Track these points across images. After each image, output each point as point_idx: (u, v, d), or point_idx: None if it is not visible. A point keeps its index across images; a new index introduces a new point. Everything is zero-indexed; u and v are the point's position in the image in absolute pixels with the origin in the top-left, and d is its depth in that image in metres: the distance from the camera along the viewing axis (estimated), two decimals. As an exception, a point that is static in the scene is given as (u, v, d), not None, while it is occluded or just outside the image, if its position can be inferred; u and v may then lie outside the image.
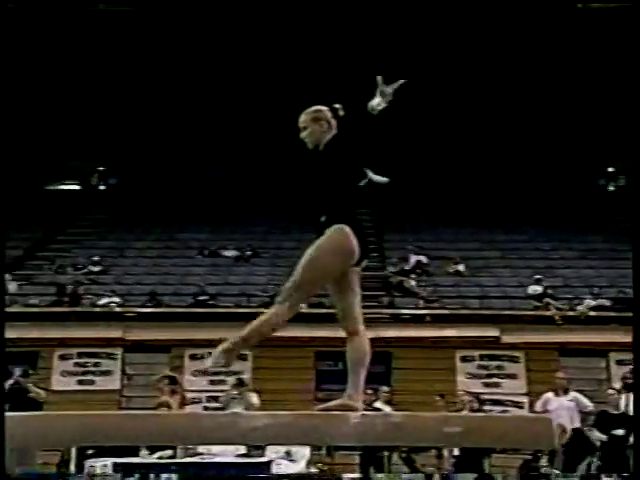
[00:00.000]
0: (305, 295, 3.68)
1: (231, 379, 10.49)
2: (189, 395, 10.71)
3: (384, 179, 3.92)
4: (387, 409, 9.20)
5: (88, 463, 7.46)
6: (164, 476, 6.88)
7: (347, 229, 3.60)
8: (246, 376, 11.24)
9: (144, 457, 7.47)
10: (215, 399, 12.04)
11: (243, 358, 13.82)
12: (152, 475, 6.87)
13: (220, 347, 3.51)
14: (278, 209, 19.27)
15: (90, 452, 7.78)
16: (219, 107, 19.80)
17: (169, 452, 7.50)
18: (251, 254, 17.49)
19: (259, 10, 18.92)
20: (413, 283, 15.91)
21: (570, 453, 9.31)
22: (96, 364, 13.86)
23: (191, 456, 7.65)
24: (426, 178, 20.73)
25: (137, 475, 6.83)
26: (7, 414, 3.99)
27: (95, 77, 19.73)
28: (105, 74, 19.72)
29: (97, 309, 14.64)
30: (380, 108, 3.63)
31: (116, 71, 19.68)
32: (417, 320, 14.49)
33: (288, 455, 8.13)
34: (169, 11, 19.42)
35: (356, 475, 9.45)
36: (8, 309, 14.75)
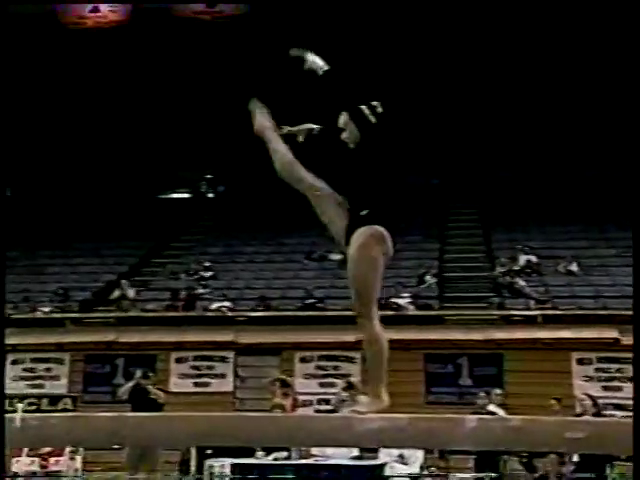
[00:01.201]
0: (374, 305, 3.65)
1: (341, 382, 10.53)
2: (300, 397, 10.83)
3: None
4: (501, 412, 8.96)
5: (207, 463, 7.67)
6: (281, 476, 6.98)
7: (382, 229, 3.64)
8: (355, 379, 11.23)
9: (260, 458, 7.61)
10: (326, 401, 12.14)
11: (352, 361, 13.88)
12: (270, 475, 6.99)
13: (365, 398, 3.55)
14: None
15: (209, 452, 7.99)
16: (321, 113, 19.93)
17: (284, 453, 7.61)
18: (357, 257, 17.50)
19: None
20: (523, 283, 15.46)
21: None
22: (210, 367, 14.27)
23: (305, 458, 7.73)
24: (534, 175, 20.16)
25: (256, 475, 6.97)
26: (130, 414, 4.16)
27: (200, 89, 20.36)
28: (206, 86, 20.30)
29: (209, 313, 15.07)
30: (320, 61, 3.66)
31: (217, 83, 20.22)
32: (529, 321, 14.07)
33: (401, 458, 8.06)
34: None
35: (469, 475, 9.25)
36: (127, 314, 15.49)
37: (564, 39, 18.84)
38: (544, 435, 3.26)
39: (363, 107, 3.84)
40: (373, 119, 3.80)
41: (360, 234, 3.65)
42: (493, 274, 16.23)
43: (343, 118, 3.88)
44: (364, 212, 3.68)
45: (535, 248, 16.84)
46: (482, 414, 7.44)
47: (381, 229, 3.65)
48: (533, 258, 16.41)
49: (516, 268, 16.09)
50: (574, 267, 15.93)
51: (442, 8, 18.95)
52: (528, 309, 14.58)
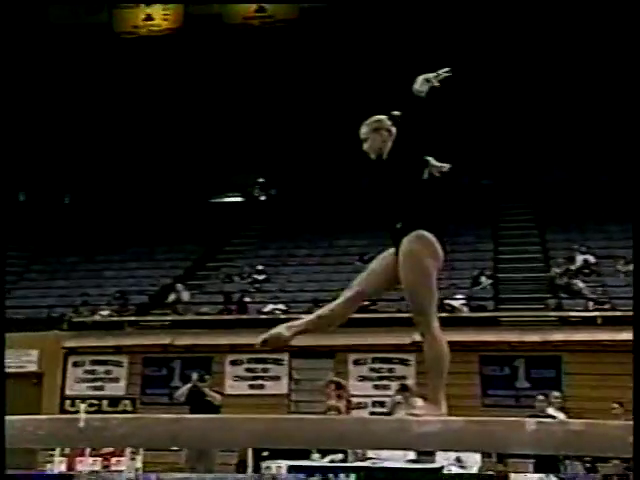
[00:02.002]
0: (431, 312, 3.63)
1: (395, 384, 10.48)
2: (354, 400, 10.82)
3: (445, 165, 3.76)
4: (561, 416, 8.77)
5: (264, 464, 7.73)
6: (342, 476, 6.99)
7: (426, 233, 3.60)
8: (410, 381, 11.16)
9: (316, 460, 7.63)
10: (380, 404, 12.09)
11: (406, 363, 13.80)
12: (331, 475, 7.00)
13: (421, 401, 3.56)
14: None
15: (265, 454, 8.05)
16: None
17: (340, 456, 7.61)
18: (410, 259, 17.40)
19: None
20: (581, 284, 15.13)
21: None
22: (265, 369, 14.37)
23: (361, 460, 7.72)
24: (590, 172, 19.75)
25: (318, 476, 6.99)
26: (188, 416, 4.22)
27: (253, 94, 20.55)
28: (262, 90, 20.48)
29: (263, 316, 15.18)
30: (425, 89, 3.57)
31: (272, 86, 20.38)
32: (587, 323, 13.76)
33: (459, 461, 7.97)
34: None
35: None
36: (183, 317, 15.72)
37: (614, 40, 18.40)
38: (607, 439, 3.18)
39: (384, 117, 3.81)
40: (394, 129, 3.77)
41: (406, 242, 3.62)
42: (549, 274, 15.93)
43: (364, 129, 3.85)
44: (398, 225, 3.64)
45: (592, 248, 16.48)
46: (540, 417, 7.30)
47: (426, 234, 3.61)
48: (590, 258, 16.05)
49: (573, 268, 15.76)
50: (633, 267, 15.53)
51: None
52: (586, 310, 14.27)
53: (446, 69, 3.70)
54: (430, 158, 3.79)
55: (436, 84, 3.67)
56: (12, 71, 20.36)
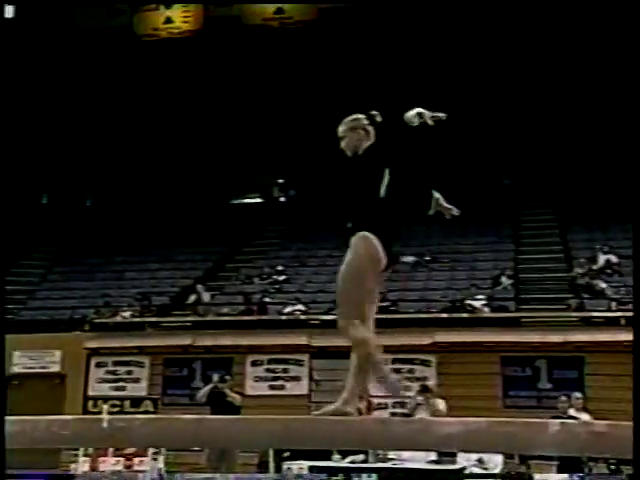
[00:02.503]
0: (355, 307, 3.64)
1: (416, 385, 10.44)
2: (375, 401, 10.80)
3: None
4: (585, 417, 8.68)
5: (285, 465, 7.75)
6: (364, 475, 6.99)
7: (370, 236, 3.61)
8: (431, 382, 11.13)
9: (336, 461, 7.63)
10: (401, 405, 12.05)
11: (427, 364, 13.75)
12: (354, 474, 7.01)
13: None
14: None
15: (286, 455, 8.06)
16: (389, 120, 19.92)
17: (361, 457, 7.61)
18: (430, 259, 17.36)
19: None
20: (604, 284, 14.99)
21: None
22: (285, 370, 14.39)
23: (382, 461, 7.71)
24: (611, 170, 19.55)
25: (340, 476, 7.01)
26: (210, 417, 4.23)
27: (272, 95, 20.59)
28: (282, 91, 20.52)
29: (283, 317, 15.21)
30: (415, 122, 3.54)
31: (291, 87, 20.42)
32: (610, 323, 13.63)
33: (480, 462, 7.93)
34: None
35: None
36: (203, 318, 15.80)
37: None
38: (631, 441, 3.15)
39: (362, 116, 3.82)
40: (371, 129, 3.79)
41: (351, 243, 3.65)
42: (571, 275, 15.80)
43: (341, 127, 3.87)
44: (349, 224, 3.64)
45: (615, 247, 16.31)
46: (563, 418, 7.25)
47: (370, 236, 3.60)
48: (613, 258, 15.89)
49: (595, 268, 15.62)
50: (657, 266, 15.34)
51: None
52: (609, 310, 14.13)
53: (443, 114, 3.72)
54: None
55: (429, 122, 3.68)
56: (36, 74, 20.60)
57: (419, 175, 3.84)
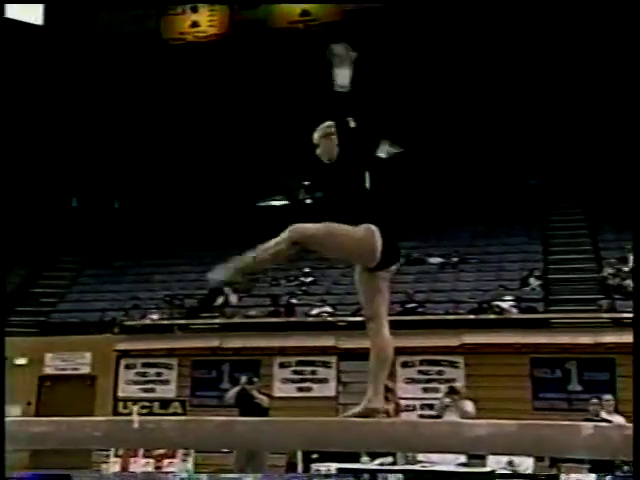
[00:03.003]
0: (313, 240, 3.83)
1: (444, 387, 10.38)
2: (403, 402, 10.76)
3: (394, 150, 3.71)
4: (619, 419, 8.55)
5: (313, 467, 7.75)
6: (391, 477, 6.97)
7: (374, 228, 3.62)
8: (459, 384, 11.05)
9: (365, 463, 7.62)
10: (429, 407, 12.00)
11: (455, 365, 13.67)
12: (380, 476, 6.99)
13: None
14: (481, 214, 18.88)
15: (315, 456, 8.07)
16: (423, 119, 19.88)
17: (389, 459, 7.58)
18: (457, 260, 17.26)
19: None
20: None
21: None
22: (313, 372, 14.41)
23: (411, 463, 7.67)
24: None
25: (366, 476, 6.99)
26: (239, 419, 4.25)
27: (299, 97, 20.63)
28: (308, 93, 20.54)
29: (310, 319, 15.22)
30: (347, 82, 3.57)
31: (314, 91, 20.42)
32: (642, 324, 13.42)
33: (510, 465, 7.86)
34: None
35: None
36: (231, 320, 15.87)
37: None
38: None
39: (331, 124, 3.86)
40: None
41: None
42: (601, 275, 15.60)
43: (316, 134, 3.92)
44: None
45: (646, 247, 16.08)
46: (594, 421, 7.15)
47: (370, 229, 3.62)
48: (644, 258, 15.67)
49: (626, 269, 15.40)
50: (690, 266, 15.09)
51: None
52: (640, 311, 13.91)
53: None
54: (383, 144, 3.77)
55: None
56: (64, 79, 20.87)
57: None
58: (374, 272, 3.71)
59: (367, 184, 3.79)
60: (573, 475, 8.56)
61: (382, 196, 3.83)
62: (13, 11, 20.76)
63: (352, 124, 3.89)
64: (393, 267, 3.72)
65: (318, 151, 3.94)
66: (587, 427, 3.16)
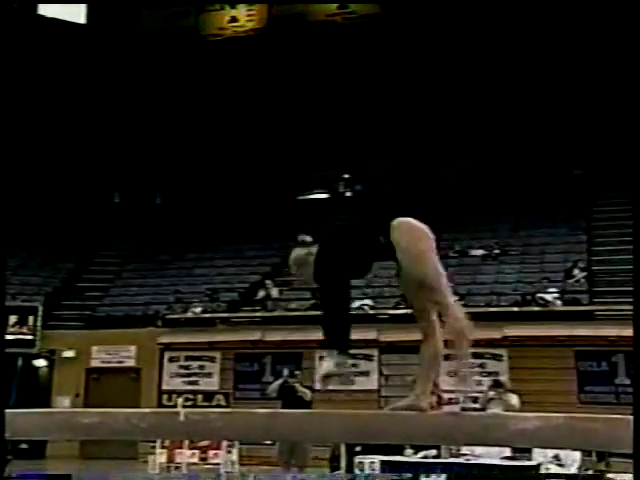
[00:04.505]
0: (446, 290, 3.65)
1: (487, 380, 10.28)
2: (445, 396, 10.68)
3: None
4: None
5: (357, 460, 7.75)
6: (433, 476, 6.94)
7: (410, 219, 3.62)
8: (503, 377, 10.95)
9: (409, 456, 7.59)
10: (473, 400, 11.89)
11: (499, 359, 13.54)
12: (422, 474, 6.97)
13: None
14: (523, 205, 18.62)
15: (358, 449, 8.06)
16: (465, 110, 19.70)
17: (433, 452, 7.54)
18: (499, 252, 17.07)
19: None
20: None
21: None
22: (355, 365, 14.39)
23: (455, 456, 7.62)
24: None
25: (409, 474, 6.97)
26: (283, 411, 4.27)
27: (338, 90, 20.60)
28: (347, 86, 20.50)
29: (351, 312, 15.18)
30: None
31: (357, 81, 20.37)
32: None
33: (557, 459, 7.75)
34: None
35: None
36: (272, 314, 15.94)
37: None
38: None
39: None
40: None
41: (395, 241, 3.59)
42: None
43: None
44: (382, 239, 3.63)
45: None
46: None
47: (408, 222, 3.58)
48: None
49: (674, 259, 15.04)
50: None
51: None
52: None
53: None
54: None
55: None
56: (106, 76, 21.16)
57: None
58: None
59: None
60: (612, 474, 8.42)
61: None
62: (56, 10, 21.14)
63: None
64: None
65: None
66: (637, 420, 3.09)
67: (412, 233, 3.60)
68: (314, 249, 3.70)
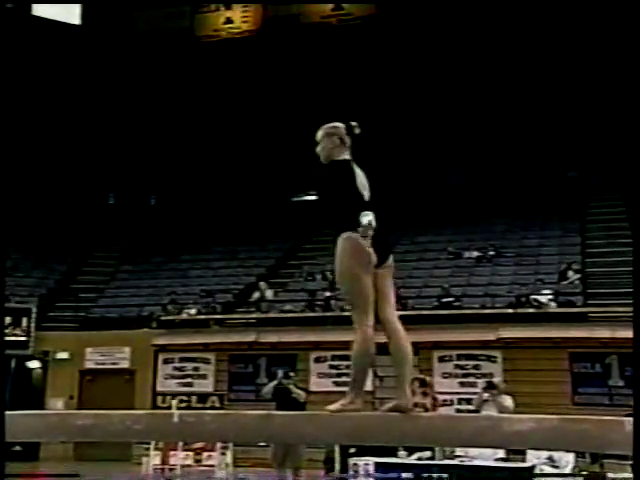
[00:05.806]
0: (364, 308, 3.64)
1: (481, 381, 10.29)
2: (440, 397, 10.70)
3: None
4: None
5: (351, 461, 7.74)
6: (436, 475, 6.94)
7: (353, 235, 3.56)
8: (497, 378, 10.96)
9: (403, 458, 7.59)
10: (466, 401, 11.92)
11: (492, 360, 13.55)
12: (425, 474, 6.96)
13: (339, 404, 3.58)
14: (518, 207, 18.67)
15: (352, 451, 8.06)
16: (459, 113, 19.72)
17: (427, 453, 7.54)
18: (494, 254, 17.10)
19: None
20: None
21: None
22: (348, 366, 14.35)
23: (449, 458, 7.63)
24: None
25: (411, 474, 6.97)
26: (277, 413, 4.27)
27: (333, 91, 20.60)
28: (342, 87, 20.50)
29: (346, 313, 15.19)
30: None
31: (351, 82, 20.38)
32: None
33: (551, 461, 7.76)
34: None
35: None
36: (267, 315, 15.94)
37: None
38: None
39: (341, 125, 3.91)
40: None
41: (339, 240, 3.63)
42: (641, 268, 15.30)
43: (319, 132, 3.96)
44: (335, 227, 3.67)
45: (689, 239, 15.74)
46: (636, 416, 7.01)
47: (353, 236, 3.54)
48: (687, 250, 15.33)
49: (668, 261, 15.09)
50: None
51: None
52: (683, 305, 13.63)
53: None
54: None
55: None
56: (100, 76, 21.13)
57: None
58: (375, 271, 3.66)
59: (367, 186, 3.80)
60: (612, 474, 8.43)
61: (376, 195, 3.84)
62: (51, 11, 21.11)
63: (357, 130, 3.90)
64: (387, 262, 3.68)
65: (317, 149, 3.93)
66: (630, 422, 3.10)
67: (347, 248, 3.62)
68: None
